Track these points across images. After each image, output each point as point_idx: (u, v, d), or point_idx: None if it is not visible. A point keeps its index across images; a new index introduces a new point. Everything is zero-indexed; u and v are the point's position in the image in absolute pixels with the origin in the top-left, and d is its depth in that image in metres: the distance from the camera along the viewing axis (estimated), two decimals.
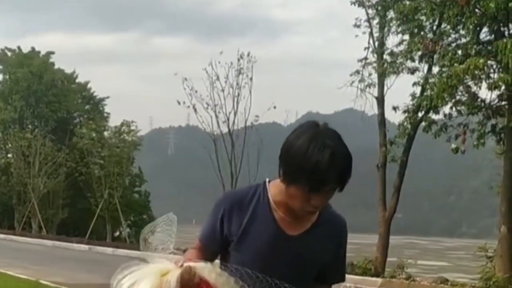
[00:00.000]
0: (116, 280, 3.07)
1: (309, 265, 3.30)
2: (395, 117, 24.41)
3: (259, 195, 3.28)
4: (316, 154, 3.01)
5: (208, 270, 3.04)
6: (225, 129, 29.80)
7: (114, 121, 72.67)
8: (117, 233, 45.96)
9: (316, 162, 3.00)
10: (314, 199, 3.10)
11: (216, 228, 3.32)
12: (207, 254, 3.30)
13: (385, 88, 24.49)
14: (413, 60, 23.10)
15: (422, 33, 22.30)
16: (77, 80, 56.80)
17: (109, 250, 31.94)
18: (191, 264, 3.04)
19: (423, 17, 22.39)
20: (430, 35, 22.26)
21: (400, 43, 23.54)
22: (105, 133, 45.88)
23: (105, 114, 55.80)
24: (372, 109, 24.96)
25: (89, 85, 57.49)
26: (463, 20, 20.04)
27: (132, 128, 44.59)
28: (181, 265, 3.03)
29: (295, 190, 3.08)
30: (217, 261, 3.32)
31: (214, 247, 3.35)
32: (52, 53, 55.57)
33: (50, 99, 51.70)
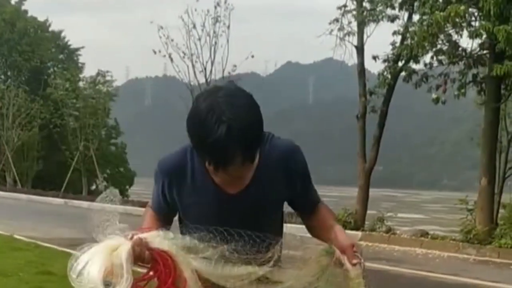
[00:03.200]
0: (71, 268, 2.84)
1: (264, 211, 3.13)
2: (375, 67, 24.15)
3: (194, 160, 3.09)
4: (211, 132, 2.77)
5: (160, 238, 2.87)
6: (202, 79, 29.50)
7: (89, 72, 72.04)
8: (94, 187, 45.64)
9: (212, 142, 2.77)
10: (229, 172, 2.87)
11: (160, 199, 3.24)
12: (161, 220, 3.23)
13: (365, 36, 24.21)
14: (393, 8, 22.76)
15: None
16: (50, 29, 56.02)
17: (85, 204, 31.55)
18: (141, 235, 2.85)
19: None
20: None
21: None
22: (80, 84, 45.13)
23: (80, 64, 55.24)
24: (351, 59, 24.72)
25: (63, 34, 56.79)
26: None
27: (108, 78, 44.13)
28: (131, 238, 2.82)
29: (207, 165, 2.91)
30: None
31: (165, 213, 3.27)
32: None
33: (23, 48, 51.00)
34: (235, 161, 2.80)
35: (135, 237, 2.82)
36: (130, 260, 2.75)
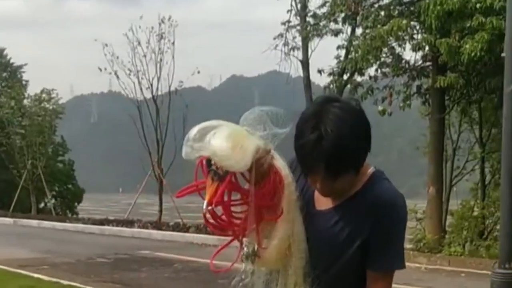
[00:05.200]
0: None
1: (340, 242, 2.95)
2: (321, 80, 24.47)
3: None
4: (303, 135, 2.80)
5: (283, 164, 2.89)
6: (149, 95, 29.49)
7: (33, 89, 71.19)
8: (42, 205, 45.16)
9: (300, 144, 2.81)
10: (313, 181, 2.90)
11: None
12: None
13: (310, 51, 24.52)
14: (336, 22, 23.16)
15: None
16: None
17: (34, 222, 31.32)
18: (274, 154, 2.86)
19: None
20: None
21: (323, 5, 23.52)
22: (25, 102, 44.63)
23: (24, 82, 54.56)
24: (297, 72, 24.97)
25: (5, 52, 56.11)
26: None
27: (53, 96, 43.65)
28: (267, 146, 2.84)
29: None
30: None
31: None
32: None
33: None
34: (315, 171, 2.82)
35: (268, 145, 2.83)
36: (250, 157, 2.73)
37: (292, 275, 2.95)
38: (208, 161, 2.75)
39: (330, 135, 2.74)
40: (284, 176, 2.86)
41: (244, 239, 2.90)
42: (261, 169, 2.80)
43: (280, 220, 2.88)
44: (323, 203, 3.01)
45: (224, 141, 2.72)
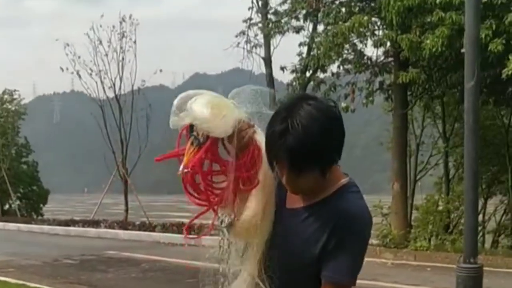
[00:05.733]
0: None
1: (300, 244, 2.91)
2: (283, 77, 24.53)
3: None
4: (273, 124, 2.81)
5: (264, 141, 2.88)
6: (111, 95, 29.36)
7: None
8: (7, 206, 44.80)
9: (268, 134, 2.82)
10: (280, 173, 2.87)
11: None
12: None
13: (272, 48, 24.54)
14: (298, 19, 23.17)
15: None
16: None
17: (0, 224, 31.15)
18: (257, 129, 2.92)
19: None
20: None
21: (284, 2, 23.57)
22: None
23: None
24: (260, 69, 24.97)
25: None
26: None
27: (15, 97, 43.37)
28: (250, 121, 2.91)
29: None
30: None
31: None
32: None
33: None
34: (279, 163, 2.81)
35: (252, 121, 2.90)
36: (230, 128, 2.82)
37: (253, 255, 2.98)
38: (191, 127, 2.82)
39: (296, 129, 2.74)
40: (263, 150, 2.89)
41: (220, 210, 2.93)
42: (242, 141, 2.87)
43: (255, 191, 2.92)
44: (294, 202, 3.00)
45: (204, 106, 2.80)
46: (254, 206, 2.93)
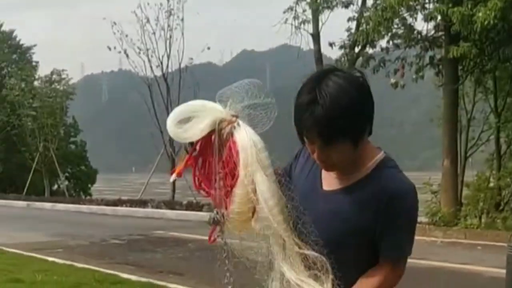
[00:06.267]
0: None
1: (344, 226, 2.87)
2: (332, 53, 24.22)
3: None
4: (301, 95, 2.78)
5: (247, 134, 2.91)
6: (159, 73, 29.37)
7: (43, 70, 71.17)
8: (56, 187, 45.22)
9: (296, 105, 2.79)
10: (311, 149, 2.86)
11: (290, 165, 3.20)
12: None
13: (320, 24, 24.25)
14: None
15: None
16: (2, 29, 55.24)
17: (48, 205, 31.37)
18: (239, 122, 2.94)
19: None
20: None
21: None
22: (35, 83, 44.62)
23: (34, 63, 54.46)
24: (308, 45, 24.76)
25: (14, 33, 56.00)
26: None
27: (63, 76, 43.65)
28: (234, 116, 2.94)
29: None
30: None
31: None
32: None
33: None
34: (309, 136, 2.78)
35: (236, 120, 2.91)
36: (211, 123, 2.90)
37: (275, 235, 2.87)
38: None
39: (325, 99, 2.70)
40: (238, 143, 2.88)
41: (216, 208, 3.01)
42: (222, 139, 2.90)
43: (237, 185, 2.90)
44: (330, 184, 2.95)
45: (169, 122, 2.94)
46: (237, 199, 2.90)
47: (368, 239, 2.86)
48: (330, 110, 2.69)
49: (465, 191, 21.43)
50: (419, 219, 17.78)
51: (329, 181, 2.95)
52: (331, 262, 2.79)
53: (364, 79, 2.83)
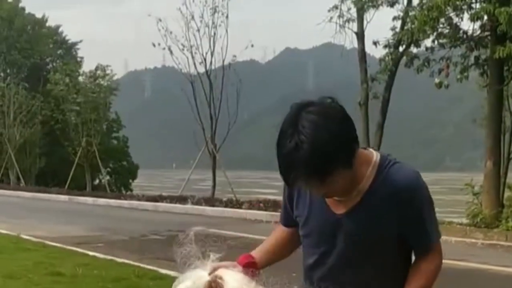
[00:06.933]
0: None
1: (368, 240, 2.95)
2: (376, 51, 24.12)
3: None
4: (282, 145, 2.74)
5: (236, 281, 2.93)
6: (202, 70, 29.40)
7: (87, 66, 71.69)
8: (97, 181, 45.56)
9: (281, 156, 2.76)
10: (309, 190, 2.93)
11: (287, 210, 3.24)
12: (288, 236, 3.30)
13: (365, 22, 24.18)
14: None
15: None
16: (47, 24, 55.81)
17: (89, 200, 31.58)
18: (221, 272, 2.95)
19: None
20: None
21: None
22: (80, 78, 44.95)
23: (79, 59, 54.97)
24: (352, 44, 24.66)
25: (60, 29, 56.55)
26: None
27: (107, 72, 43.88)
28: (211, 272, 2.95)
29: None
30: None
31: (291, 225, 3.27)
32: None
33: (22, 46, 50.89)
34: (301, 178, 2.75)
35: (212, 275, 2.91)
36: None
37: None
38: None
39: (305, 142, 2.68)
40: None
41: None
42: None
43: None
44: (340, 206, 2.97)
45: None
46: None
47: (396, 238, 2.96)
48: (312, 152, 2.67)
49: (507, 193, 21.19)
50: (460, 220, 17.63)
51: (338, 205, 2.97)
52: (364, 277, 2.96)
53: (336, 102, 2.82)
